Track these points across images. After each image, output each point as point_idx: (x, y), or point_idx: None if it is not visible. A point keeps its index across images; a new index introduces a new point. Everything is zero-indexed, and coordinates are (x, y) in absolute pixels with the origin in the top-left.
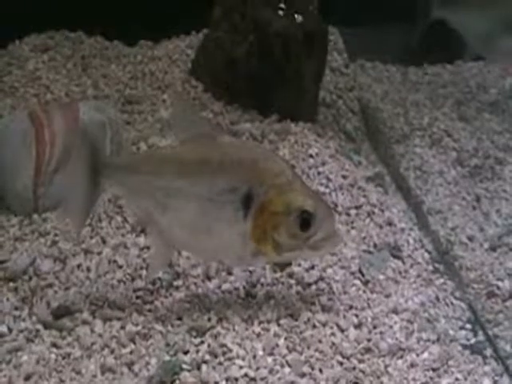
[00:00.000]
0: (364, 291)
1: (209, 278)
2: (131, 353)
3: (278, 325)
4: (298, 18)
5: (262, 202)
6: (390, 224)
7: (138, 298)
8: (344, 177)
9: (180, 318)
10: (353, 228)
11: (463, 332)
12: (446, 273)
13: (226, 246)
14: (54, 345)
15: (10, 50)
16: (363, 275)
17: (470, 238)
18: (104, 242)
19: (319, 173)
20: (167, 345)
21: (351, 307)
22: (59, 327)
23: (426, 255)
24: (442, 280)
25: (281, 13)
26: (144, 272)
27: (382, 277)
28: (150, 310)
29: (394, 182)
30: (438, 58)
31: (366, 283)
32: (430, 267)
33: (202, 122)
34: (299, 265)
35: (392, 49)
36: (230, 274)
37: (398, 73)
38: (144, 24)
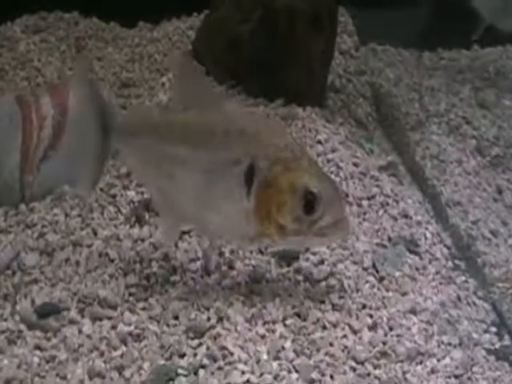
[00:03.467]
0: (378, 289)
1: (208, 273)
2: (122, 356)
3: (285, 325)
4: None
5: (265, 178)
6: (405, 216)
7: (130, 295)
8: (355, 165)
9: (176, 317)
10: (365, 220)
11: (487, 335)
12: (467, 270)
13: (229, 222)
14: (38, 347)
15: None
16: (377, 271)
17: (494, 233)
18: (95, 233)
19: (328, 160)
20: (162, 347)
21: (365, 306)
22: (44, 327)
23: (445, 251)
24: (463, 278)
25: None
26: (138, 266)
27: (397, 273)
28: (143, 309)
29: (408, 172)
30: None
31: (380, 280)
32: (450, 264)
33: (207, 87)
34: (307, 259)
35: (404, 31)
36: (231, 268)
37: (411, 57)
38: (143, 5)
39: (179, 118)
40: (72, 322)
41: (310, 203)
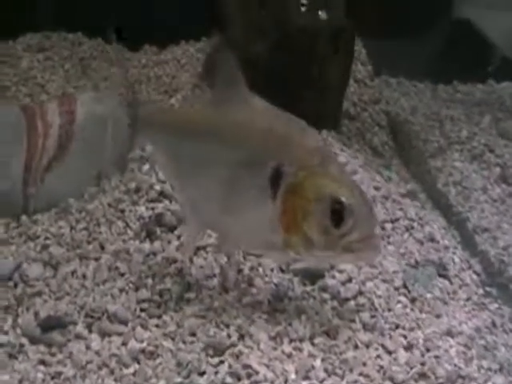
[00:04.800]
0: (412, 309)
1: (226, 290)
2: (134, 374)
3: (313, 344)
4: (323, 14)
5: (291, 183)
6: (431, 240)
7: (142, 310)
8: (376, 188)
9: (193, 334)
10: (389, 243)
11: None
12: (499, 297)
13: (253, 228)
14: (42, 362)
15: (2, 48)
16: (409, 291)
17: None
18: (102, 247)
19: None
20: (179, 365)
21: (398, 326)
22: (48, 342)
23: (475, 277)
24: (496, 305)
25: (303, 9)
26: (150, 281)
27: (429, 295)
28: (156, 326)
29: (430, 199)
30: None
31: (412, 301)
32: (481, 291)
33: (239, 79)
34: (333, 277)
35: (418, 63)
36: (251, 285)
37: (426, 89)
38: (149, 29)
39: (206, 113)
40: (79, 336)
41: (337, 213)
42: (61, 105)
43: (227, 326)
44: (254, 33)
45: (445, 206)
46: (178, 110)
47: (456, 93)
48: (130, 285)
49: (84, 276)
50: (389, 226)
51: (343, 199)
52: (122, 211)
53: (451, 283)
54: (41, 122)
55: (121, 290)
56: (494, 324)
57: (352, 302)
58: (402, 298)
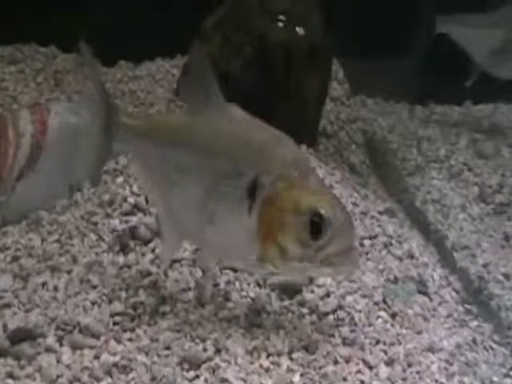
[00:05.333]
0: (392, 325)
1: (202, 304)
2: None
3: (291, 359)
4: (300, 30)
5: (268, 195)
6: (410, 257)
7: (115, 324)
8: (354, 204)
9: (168, 348)
10: (368, 259)
11: (509, 380)
12: (479, 314)
13: (230, 240)
14: (10, 375)
15: None
16: (389, 307)
17: (506, 276)
18: (75, 260)
19: None
20: (153, 379)
21: (378, 341)
22: (17, 354)
23: (454, 294)
24: (476, 322)
25: (280, 24)
26: (123, 294)
27: (409, 311)
28: (130, 340)
29: (408, 217)
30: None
31: (393, 316)
32: (461, 308)
33: (214, 89)
34: (312, 291)
35: (394, 84)
36: (227, 299)
37: (403, 109)
38: (124, 45)
39: (182, 122)
40: (49, 349)
41: (316, 226)
42: (33, 113)
43: (203, 340)
44: (229, 48)
45: (423, 224)
46: (155, 119)
47: (432, 114)
48: (103, 297)
49: (55, 288)
50: (367, 242)
51: (322, 211)
52: (95, 224)
53: (431, 300)
54: (12, 131)
55: (93, 303)
56: (474, 341)
57: (331, 317)
58: (383, 313)
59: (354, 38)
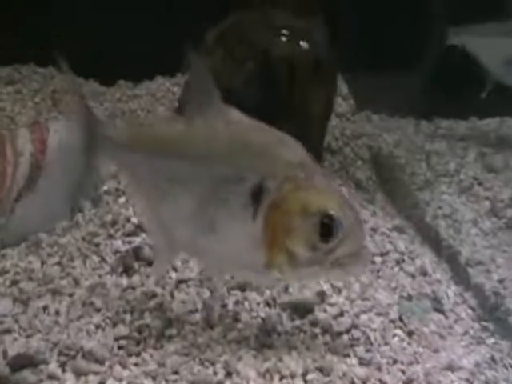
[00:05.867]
0: (409, 343)
1: (210, 326)
2: None
3: (305, 381)
4: (304, 44)
5: (274, 199)
6: (423, 274)
7: (120, 348)
8: (364, 221)
9: (176, 372)
10: (379, 277)
11: None
12: (497, 331)
13: (233, 250)
14: None
15: None
16: (405, 325)
17: None
18: (77, 282)
19: None
20: None
21: (395, 361)
22: (18, 382)
23: (470, 311)
24: (493, 339)
25: (284, 38)
26: (128, 316)
27: (426, 329)
28: (136, 364)
29: (419, 233)
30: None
31: (409, 334)
32: (477, 325)
33: (213, 93)
34: (324, 310)
35: (399, 99)
36: (236, 320)
37: (408, 125)
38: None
39: (177, 128)
40: (52, 376)
41: (327, 228)
42: (33, 132)
43: (213, 364)
44: (232, 62)
45: (435, 240)
46: (146, 125)
47: (438, 129)
48: (107, 320)
49: (57, 312)
50: (378, 259)
51: (332, 212)
52: (97, 245)
53: (446, 317)
54: (10, 149)
55: (97, 326)
56: (493, 359)
57: (345, 336)
58: (399, 332)
59: (358, 52)
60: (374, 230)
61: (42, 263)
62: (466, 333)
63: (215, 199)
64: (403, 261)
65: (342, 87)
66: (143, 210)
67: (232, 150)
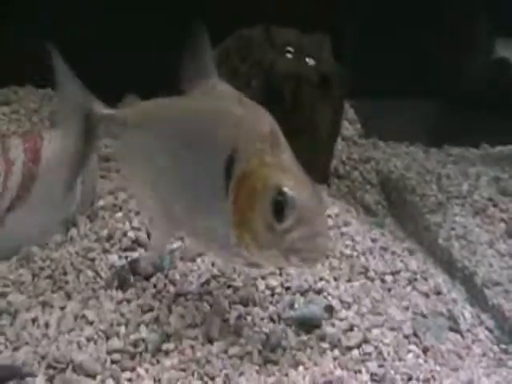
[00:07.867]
0: (425, 361)
1: (210, 341)
2: None
3: None
4: (310, 61)
5: (243, 172)
6: (437, 293)
7: (113, 362)
8: (373, 240)
9: None
10: (392, 296)
11: None
12: None
13: (208, 226)
14: None
15: None
16: (420, 341)
17: None
18: (69, 296)
19: (342, 233)
20: None
21: (411, 378)
22: None
23: (488, 333)
24: None
25: (289, 55)
26: (122, 329)
27: (442, 347)
28: (130, 380)
29: (431, 256)
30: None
31: (424, 351)
32: (496, 347)
33: (210, 67)
34: (332, 325)
35: (408, 126)
36: (238, 335)
37: (417, 151)
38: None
39: (162, 102)
40: None
41: (280, 205)
42: (26, 141)
43: (212, 378)
44: (238, 80)
45: (448, 261)
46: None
47: (448, 156)
48: (100, 333)
49: (47, 324)
50: (389, 277)
51: (286, 190)
52: (92, 260)
53: (463, 338)
54: (2, 158)
55: (89, 339)
56: None
57: (356, 351)
58: (413, 347)
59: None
60: (384, 249)
61: (34, 276)
62: (484, 354)
63: (197, 171)
64: (415, 280)
65: (348, 111)
66: (136, 188)
67: (215, 121)
